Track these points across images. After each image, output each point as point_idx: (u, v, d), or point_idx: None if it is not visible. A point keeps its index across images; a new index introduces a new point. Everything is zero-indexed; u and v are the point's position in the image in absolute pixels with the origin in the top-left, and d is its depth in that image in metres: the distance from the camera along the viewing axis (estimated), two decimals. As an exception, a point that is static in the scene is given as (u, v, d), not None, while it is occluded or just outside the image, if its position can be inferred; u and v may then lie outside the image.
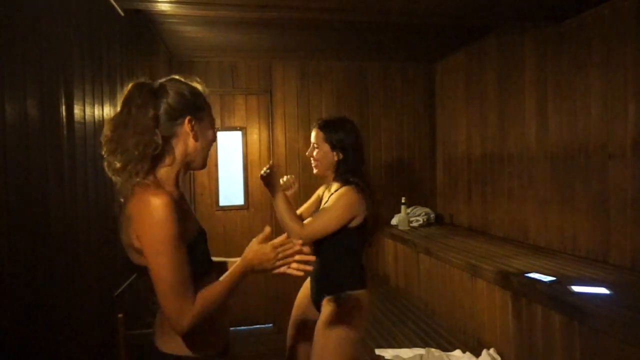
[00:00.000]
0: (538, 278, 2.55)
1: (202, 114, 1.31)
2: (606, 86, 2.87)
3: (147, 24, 3.30)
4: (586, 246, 3.05)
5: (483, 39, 4.12)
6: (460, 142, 4.63)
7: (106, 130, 1.25)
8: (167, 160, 1.27)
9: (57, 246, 1.63)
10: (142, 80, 1.30)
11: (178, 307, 1.16)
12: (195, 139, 1.29)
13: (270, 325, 4.69)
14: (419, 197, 5.07)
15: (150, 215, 1.14)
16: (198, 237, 1.31)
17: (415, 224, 4.71)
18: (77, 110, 1.84)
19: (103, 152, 1.24)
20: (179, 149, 1.28)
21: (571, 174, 3.17)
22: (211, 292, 1.21)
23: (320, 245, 2.11)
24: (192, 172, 4.56)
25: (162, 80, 1.32)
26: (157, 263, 1.16)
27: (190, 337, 1.25)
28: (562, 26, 3.21)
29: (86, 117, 1.95)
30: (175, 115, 1.26)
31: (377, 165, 5.05)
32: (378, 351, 3.01)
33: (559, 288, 2.39)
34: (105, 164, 1.25)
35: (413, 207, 4.87)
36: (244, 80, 4.72)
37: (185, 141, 1.28)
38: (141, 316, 2.42)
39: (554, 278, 2.53)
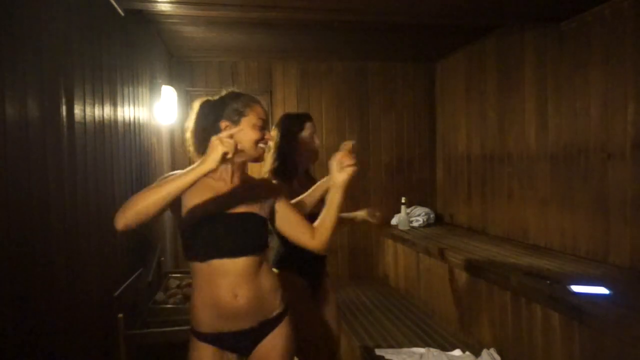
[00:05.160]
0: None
1: (238, 118, 1.55)
2: (606, 86, 2.87)
3: (147, 24, 3.30)
4: (586, 246, 3.05)
5: (483, 39, 4.12)
6: (460, 142, 4.63)
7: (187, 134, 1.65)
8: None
9: (57, 246, 1.63)
10: (206, 98, 1.64)
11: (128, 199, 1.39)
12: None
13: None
14: (419, 197, 5.08)
15: None
16: (203, 221, 1.50)
17: (415, 224, 4.71)
18: (77, 110, 1.84)
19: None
20: None
21: (571, 174, 3.17)
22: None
23: None
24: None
25: (221, 94, 1.64)
26: None
27: (191, 310, 1.55)
28: (562, 26, 3.21)
29: (86, 117, 1.95)
30: (215, 121, 1.57)
31: (377, 165, 5.05)
32: (378, 351, 3.01)
33: (559, 288, 2.39)
34: None
35: (413, 207, 4.87)
36: (244, 81, 4.72)
37: None
38: (141, 316, 2.42)
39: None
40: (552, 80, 3.33)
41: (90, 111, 2.00)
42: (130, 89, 2.74)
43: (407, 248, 4.23)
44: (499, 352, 2.78)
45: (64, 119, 1.73)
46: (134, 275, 2.52)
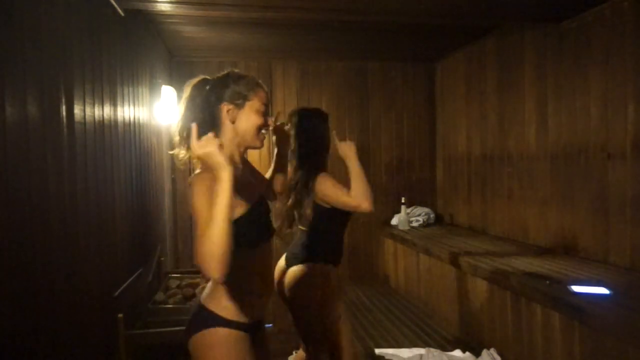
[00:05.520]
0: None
1: (241, 102, 1.49)
2: (606, 86, 2.87)
3: (147, 24, 3.30)
4: (586, 246, 3.05)
5: (483, 39, 4.12)
6: (460, 142, 4.63)
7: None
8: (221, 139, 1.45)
9: (57, 246, 1.63)
10: (204, 76, 1.53)
11: (199, 253, 1.24)
12: (233, 122, 1.48)
13: (270, 325, 4.68)
14: (419, 197, 5.08)
15: (191, 191, 1.36)
16: (252, 209, 1.46)
17: (415, 224, 4.71)
18: (77, 110, 1.84)
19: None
20: (225, 131, 1.49)
21: (571, 174, 3.17)
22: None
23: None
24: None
25: (220, 74, 1.54)
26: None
27: (227, 304, 1.45)
28: (562, 26, 3.21)
29: (86, 117, 1.95)
30: (216, 103, 1.49)
31: (377, 165, 5.05)
32: (378, 351, 3.01)
33: (559, 288, 2.39)
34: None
35: (413, 207, 4.88)
36: (244, 80, 4.71)
37: (228, 124, 1.49)
38: (141, 316, 2.42)
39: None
40: (552, 80, 3.33)
41: (90, 111, 2.00)
42: (130, 89, 2.74)
43: (407, 248, 4.23)
44: (499, 352, 2.78)
45: (64, 119, 1.73)
46: (134, 275, 2.52)
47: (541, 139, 3.46)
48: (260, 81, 1.57)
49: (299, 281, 2.13)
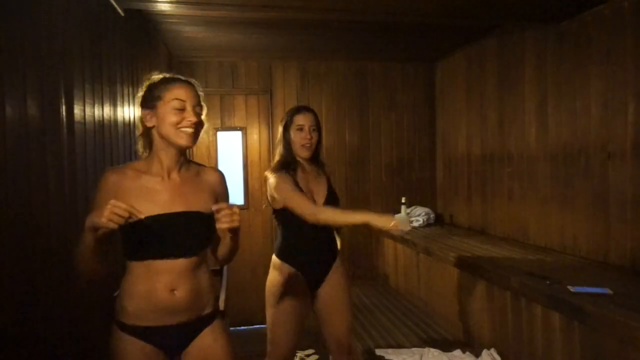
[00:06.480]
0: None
1: (156, 104, 1.49)
2: (606, 86, 2.87)
3: (147, 24, 3.30)
4: (586, 246, 3.05)
5: (483, 39, 4.12)
6: (460, 142, 4.63)
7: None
8: (153, 142, 1.54)
9: (57, 246, 1.63)
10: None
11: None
12: (152, 125, 1.50)
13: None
14: (419, 197, 5.07)
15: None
16: (143, 222, 1.40)
17: (415, 224, 4.71)
18: (77, 110, 1.84)
19: None
20: (154, 134, 1.52)
21: (571, 174, 3.17)
22: None
23: None
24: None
25: (147, 81, 1.60)
26: None
27: (125, 303, 1.51)
28: (562, 26, 3.21)
29: (86, 117, 1.95)
30: (141, 107, 1.55)
31: (377, 165, 5.04)
32: (378, 351, 3.01)
33: (559, 288, 2.39)
34: None
35: (413, 207, 4.87)
36: (244, 80, 4.72)
37: (152, 127, 1.52)
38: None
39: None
40: (552, 80, 3.33)
41: (90, 111, 2.00)
42: (130, 89, 2.74)
43: (407, 248, 4.23)
44: (499, 352, 2.78)
45: (64, 119, 1.73)
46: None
47: (541, 139, 3.46)
48: (182, 77, 1.56)
49: None
